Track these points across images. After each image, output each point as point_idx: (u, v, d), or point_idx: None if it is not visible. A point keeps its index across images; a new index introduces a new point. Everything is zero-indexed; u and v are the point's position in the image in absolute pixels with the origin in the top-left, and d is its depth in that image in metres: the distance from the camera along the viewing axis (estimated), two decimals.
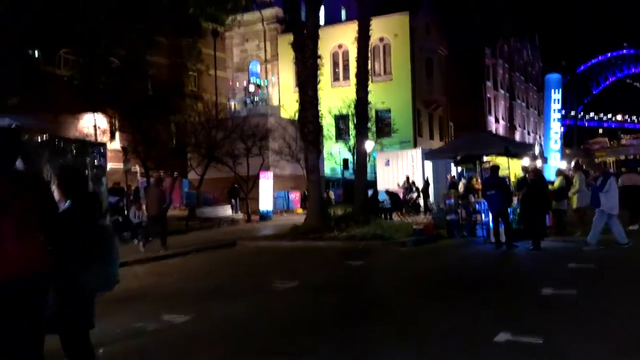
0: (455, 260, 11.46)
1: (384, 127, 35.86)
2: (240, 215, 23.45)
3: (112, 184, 24.50)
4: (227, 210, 22.13)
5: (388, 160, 28.40)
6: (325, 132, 29.44)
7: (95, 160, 19.69)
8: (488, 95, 54.56)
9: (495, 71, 57.31)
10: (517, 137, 60.82)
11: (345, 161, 32.59)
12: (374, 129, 32.09)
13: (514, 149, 15.35)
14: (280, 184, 26.96)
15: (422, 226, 15.17)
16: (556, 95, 19.38)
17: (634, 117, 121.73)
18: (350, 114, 24.47)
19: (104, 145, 21.32)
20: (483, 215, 13.76)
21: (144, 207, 20.75)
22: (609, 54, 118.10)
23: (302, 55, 16.85)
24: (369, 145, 27.34)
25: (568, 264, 9.58)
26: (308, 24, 16.86)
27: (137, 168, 30.22)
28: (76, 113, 27.81)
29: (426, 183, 23.90)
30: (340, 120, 36.09)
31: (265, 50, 45.02)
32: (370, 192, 21.66)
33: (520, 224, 13.17)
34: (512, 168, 14.55)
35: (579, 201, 13.14)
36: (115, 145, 30.63)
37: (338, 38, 39.62)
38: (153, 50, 30.86)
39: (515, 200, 13.32)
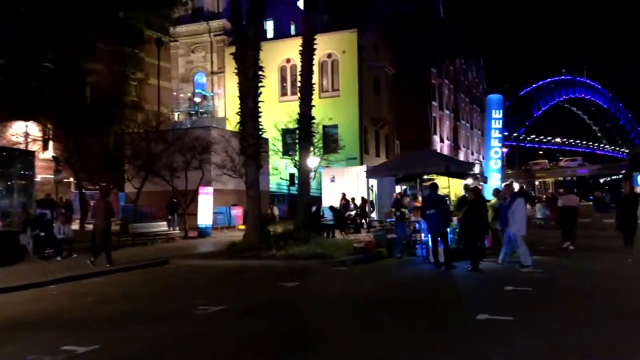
0: (392, 281, 11.12)
1: (330, 143, 35.67)
2: (177, 231, 22.47)
3: (44, 195, 23.10)
4: (162, 226, 21.10)
5: (333, 177, 28.14)
6: (271, 146, 28.94)
7: (23, 170, 18.43)
8: (434, 115, 55.53)
9: (441, 91, 58.50)
10: (461, 157, 62.14)
11: (292, 176, 32.10)
12: (320, 144, 31.84)
13: (455, 169, 15.26)
14: (222, 199, 26.13)
15: (363, 244, 14.90)
16: (497, 115, 19.62)
17: (571, 140, 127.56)
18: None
19: (32, 154, 20.13)
20: (423, 235, 13.54)
21: (72, 221, 19.61)
22: (549, 79, 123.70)
23: (244, 66, 16.31)
24: (314, 161, 27.00)
25: (505, 287, 9.39)
26: (249, 34, 16.35)
27: (71, 179, 28.75)
28: (4, 120, 26.15)
29: (364, 200, 23.68)
30: (287, 134, 35.72)
31: (212, 62, 44.25)
32: (313, 209, 21.23)
33: (459, 244, 13.01)
34: (452, 187, 14.42)
35: None
36: (48, 155, 29.08)
37: (286, 52, 39.36)
38: (92, 56, 29.64)
39: (455, 220, 13.16)
